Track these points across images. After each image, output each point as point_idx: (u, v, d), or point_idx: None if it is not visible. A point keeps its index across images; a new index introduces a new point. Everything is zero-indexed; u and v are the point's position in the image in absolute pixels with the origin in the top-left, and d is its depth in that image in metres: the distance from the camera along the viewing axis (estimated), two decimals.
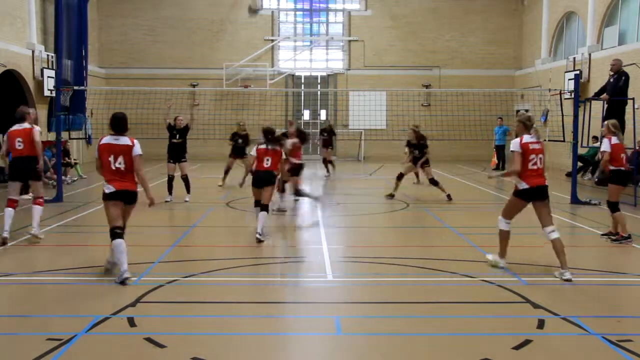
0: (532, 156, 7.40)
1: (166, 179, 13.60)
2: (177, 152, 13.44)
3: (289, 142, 11.71)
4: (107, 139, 7.23)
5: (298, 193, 11.90)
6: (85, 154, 24.15)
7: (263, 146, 9.71)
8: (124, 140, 7.21)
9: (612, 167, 9.50)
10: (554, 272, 7.35)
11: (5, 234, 8.84)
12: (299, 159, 12.13)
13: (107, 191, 7.13)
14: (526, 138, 7.48)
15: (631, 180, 9.55)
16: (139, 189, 7.30)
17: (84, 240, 8.94)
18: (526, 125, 7.55)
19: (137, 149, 7.23)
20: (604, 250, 9.13)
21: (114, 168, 7.12)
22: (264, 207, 9.46)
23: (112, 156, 7.13)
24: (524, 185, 7.40)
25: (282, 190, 11.97)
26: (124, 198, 7.17)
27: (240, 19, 28.15)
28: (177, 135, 13.43)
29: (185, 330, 5.45)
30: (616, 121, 9.70)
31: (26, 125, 9.19)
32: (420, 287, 6.99)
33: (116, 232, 7.04)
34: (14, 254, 8.46)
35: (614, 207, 9.41)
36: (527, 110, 26.06)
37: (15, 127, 9.22)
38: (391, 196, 14.07)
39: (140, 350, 5.00)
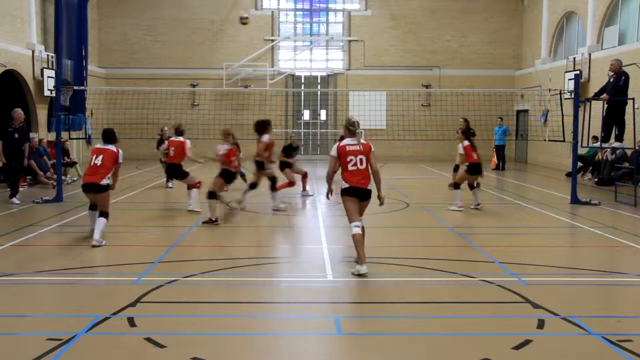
0: (351, 157, 7.80)
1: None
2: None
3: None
4: (98, 145, 9.32)
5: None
6: (86, 154, 24.16)
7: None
8: (110, 146, 9.23)
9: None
10: (552, 272, 7.35)
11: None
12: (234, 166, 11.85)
13: (81, 184, 9.34)
14: (345, 141, 7.85)
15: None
16: (105, 182, 9.06)
17: (83, 240, 8.95)
18: (349, 129, 7.90)
19: (120, 157, 9.26)
20: (604, 250, 9.13)
21: (91, 164, 9.05)
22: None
23: (94, 155, 9.12)
24: (345, 185, 7.89)
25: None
26: (91, 189, 9.06)
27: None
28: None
29: (185, 330, 5.45)
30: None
31: None
32: (420, 287, 6.99)
33: (91, 206, 9.41)
34: (14, 254, 8.46)
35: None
36: (526, 111, 26.21)
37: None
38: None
39: (140, 350, 5.00)
